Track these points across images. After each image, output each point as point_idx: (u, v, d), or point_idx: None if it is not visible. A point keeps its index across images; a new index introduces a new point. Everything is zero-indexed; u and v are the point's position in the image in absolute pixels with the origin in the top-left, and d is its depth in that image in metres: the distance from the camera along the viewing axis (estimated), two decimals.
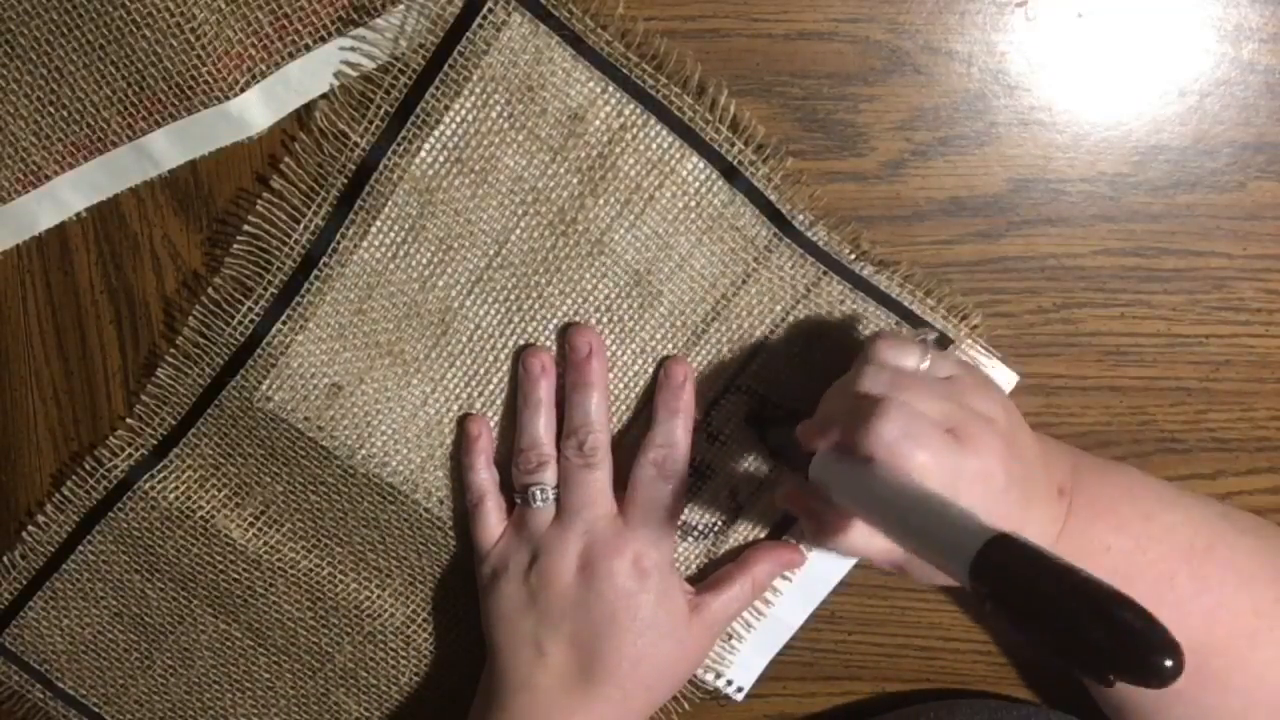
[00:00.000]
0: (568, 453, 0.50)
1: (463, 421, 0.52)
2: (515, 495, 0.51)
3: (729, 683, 0.55)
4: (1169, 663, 0.26)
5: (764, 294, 0.49)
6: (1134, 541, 0.45)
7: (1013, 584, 0.29)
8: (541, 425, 0.50)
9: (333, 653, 0.56)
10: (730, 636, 0.54)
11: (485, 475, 0.52)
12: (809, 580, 0.53)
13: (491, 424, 0.52)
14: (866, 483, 0.39)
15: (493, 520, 0.51)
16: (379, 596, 0.55)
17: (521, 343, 0.51)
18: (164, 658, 0.57)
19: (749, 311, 0.49)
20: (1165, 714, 0.47)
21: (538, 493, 0.50)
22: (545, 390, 0.50)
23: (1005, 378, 0.50)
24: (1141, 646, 0.26)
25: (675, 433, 0.49)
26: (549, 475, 0.50)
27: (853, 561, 0.53)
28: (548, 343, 0.51)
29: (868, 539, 0.41)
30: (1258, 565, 0.46)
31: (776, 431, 0.50)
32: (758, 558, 0.52)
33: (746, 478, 0.52)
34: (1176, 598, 0.45)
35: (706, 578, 0.53)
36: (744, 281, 0.49)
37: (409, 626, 0.56)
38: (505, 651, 0.50)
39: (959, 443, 0.39)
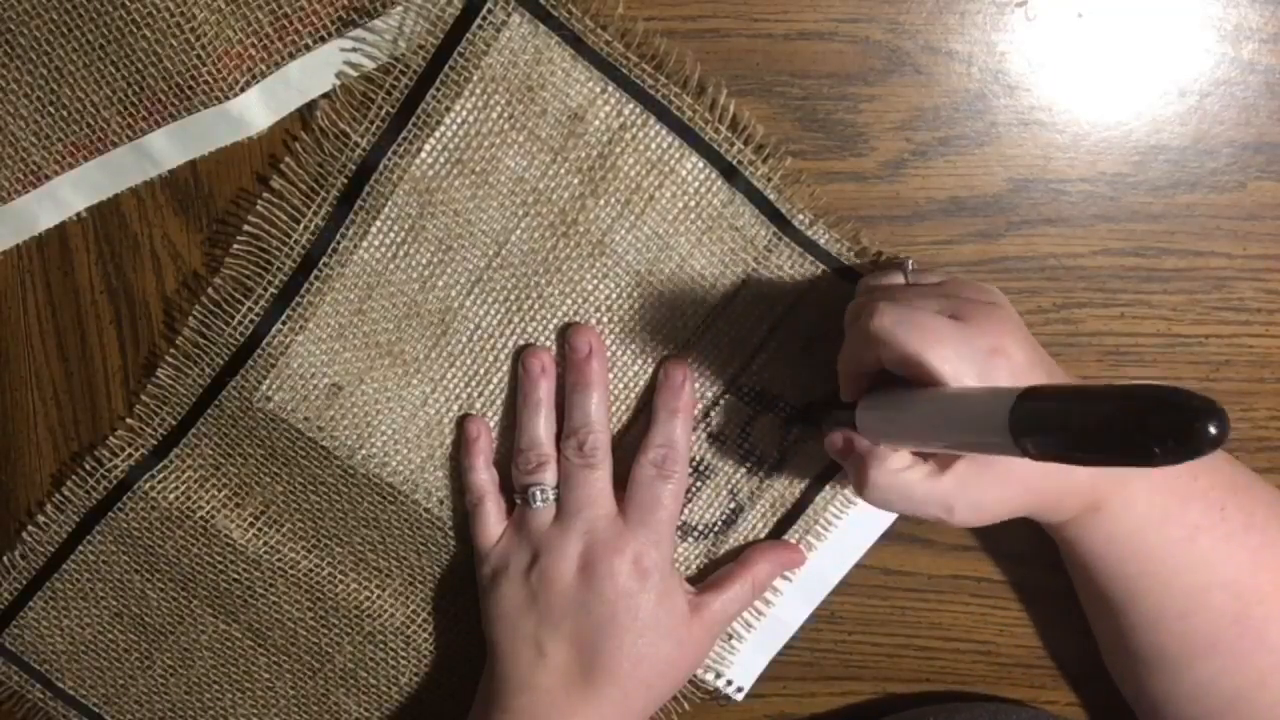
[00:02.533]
0: (568, 453, 0.50)
1: (462, 422, 0.52)
2: (515, 495, 0.51)
3: (729, 683, 0.55)
4: (1213, 428, 0.26)
5: (764, 294, 0.49)
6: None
7: (1051, 420, 0.31)
8: (541, 425, 0.50)
9: (333, 653, 0.56)
10: (730, 636, 0.54)
11: (485, 476, 0.52)
12: (809, 580, 0.54)
13: (491, 424, 0.52)
14: (902, 406, 0.39)
15: (492, 520, 0.51)
16: (379, 596, 0.55)
17: (521, 343, 0.51)
18: (164, 658, 0.57)
19: (749, 311, 0.49)
20: (1196, 666, 0.46)
21: (538, 493, 0.50)
22: (545, 390, 0.50)
23: None
24: (1182, 413, 0.27)
25: (674, 433, 0.49)
26: (549, 475, 0.50)
27: (853, 561, 0.53)
28: (547, 343, 0.51)
29: (904, 464, 0.41)
30: None
31: (828, 415, 0.48)
32: (758, 558, 0.52)
33: (746, 478, 0.52)
34: (1228, 529, 0.44)
35: (706, 578, 0.53)
36: (744, 281, 0.49)
37: (409, 626, 0.56)
38: (506, 651, 0.50)
39: (965, 324, 0.39)
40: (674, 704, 0.55)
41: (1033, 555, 0.54)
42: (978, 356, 0.38)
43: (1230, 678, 0.46)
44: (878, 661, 0.56)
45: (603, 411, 0.50)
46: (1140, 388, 0.28)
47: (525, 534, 0.50)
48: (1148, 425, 0.27)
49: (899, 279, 0.45)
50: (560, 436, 0.50)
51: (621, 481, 0.50)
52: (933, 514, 0.42)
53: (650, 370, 0.51)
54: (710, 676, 0.55)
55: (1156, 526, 0.44)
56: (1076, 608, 0.54)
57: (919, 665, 0.56)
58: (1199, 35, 0.47)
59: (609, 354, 0.50)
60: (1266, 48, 0.47)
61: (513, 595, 0.50)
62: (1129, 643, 0.48)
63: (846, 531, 0.53)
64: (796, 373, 0.50)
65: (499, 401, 0.52)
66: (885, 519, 0.53)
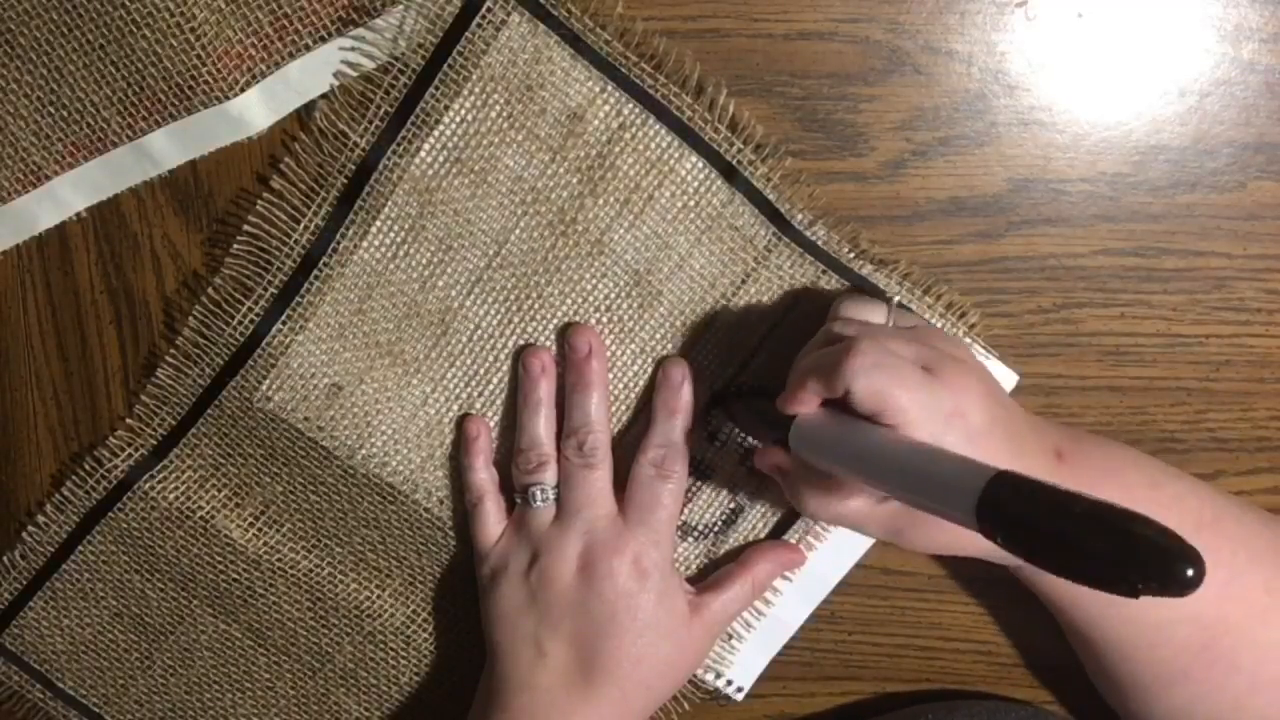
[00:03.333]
0: (568, 453, 0.50)
1: (461, 422, 0.52)
2: (515, 495, 0.51)
3: (729, 683, 0.55)
4: (1190, 572, 0.26)
5: (764, 294, 0.49)
6: (1143, 509, 0.45)
7: (1022, 519, 0.29)
8: (541, 425, 0.50)
9: (333, 653, 0.56)
10: (730, 636, 0.54)
11: (484, 475, 0.52)
12: (809, 580, 0.53)
13: (491, 424, 0.52)
14: (853, 439, 0.39)
15: (492, 520, 0.51)
16: (379, 597, 0.55)
17: (521, 343, 0.51)
18: (164, 658, 0.57)
19: (749, 311, 0.49)
20: (1170, 693, 0.46)
21: (538, 492, 0.50)
22: (545, 390, 0.50)
23: (1005, 377, 0.50)
24: (1163, 557, 0.26)
25: (674, 433, 0.49)
26: (549, 475, 0.50)
27: (853, 561, 0.53)
28: (547, 343, 0.51)
29: (852, 501, 0.41)
30: (1265, 543, 0.46)
31: (746, 404, 0.49)
32: (758, 558, 0.52)
33: (746, 477, 0.52)
34: None
35: (706, 578, 0.53)
36: (744, 281, 0.49)
37: (409, 626, 0.56)
38: (505, 651, 0.50)
39: (934, 378, 0.39)
40: (674, 704, 0.55)
41: None
42: (938, 414, 0.39)
43: (1204, 704, 0.46)
44: (878, 661, 0.56)
45: (603, 411, 0.50)
46: (1118, 516, 0.27)
47: (525, 534, 0.50)
48: (1126, 565, 0.26)
49: (880, 315, 0.45)
50: (560, 436, 0.50)
51: (621, 482, 0.50)
52: (878, 537, 0.43)
53: (650, 370, 0.51)
54: (710, 677, 0.55)
55: None
56: None
57: (919, 665, 0.55)
58: (1199, 35, 0.47)
59: (609, 354, 0.50)
60: (1266, 48, 0.47)
61: (512, 595, 0.50)
62: (1105, 670, 0.48)
63: (846, 532, 0.53)
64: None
65: (499, 401, 0.52)
66: None
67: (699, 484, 0.52)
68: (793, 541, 0.53)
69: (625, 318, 0.50)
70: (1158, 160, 0.48)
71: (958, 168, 0.48)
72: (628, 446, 0.51)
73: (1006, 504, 0.30)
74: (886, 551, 0.54)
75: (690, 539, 0.53)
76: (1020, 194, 0.49)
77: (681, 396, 0.49)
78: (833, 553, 0.53)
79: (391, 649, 0.56)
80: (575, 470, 0.49)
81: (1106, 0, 0.46)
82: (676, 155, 0.47)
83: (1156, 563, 0.26)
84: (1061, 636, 0.55)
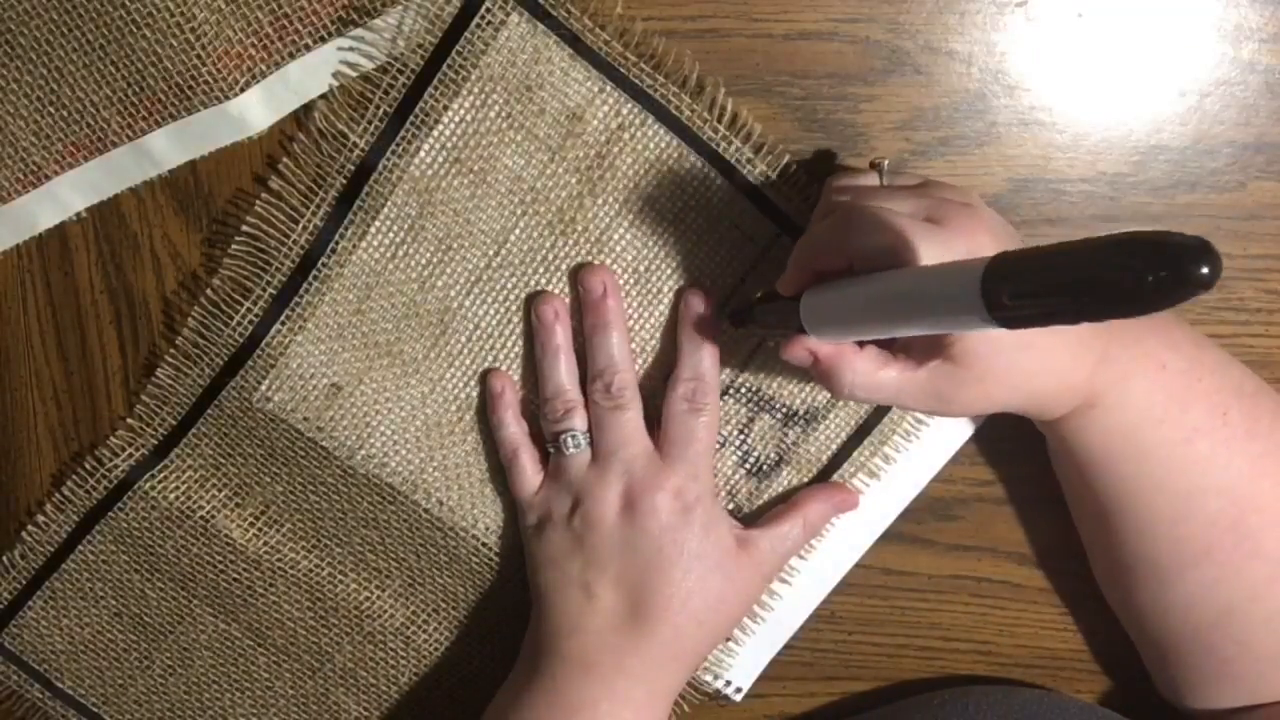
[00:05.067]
0: (595, 397, 0.49)
1: (485, 378, 0.51)
2: (548, 446, 0.50)
3: (728, 683, 0.55)
4: (1205, 269, 0.25)
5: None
6: (1188, 364, 0.43)
7: (1029, 283, 0.29)
8: (563, 371, 0.49)
9: (333, 653, 0.56)
10: (729, 638, 0.54)
11: (515, 429, 0.51)
12: (809, 580, 0.53)
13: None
14: (855, 293, 0.37)
15: (529, 472, 0.51)
16: (379, 597, 0.55)
17: (522, 342, 0.51)
18: (164, 658, 0.57)
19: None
20: (1186, 576, 0.45)
21: (569, 439, 0.49)
22: (562, 336, 0.49)
23: None
24: (1175, 258, 0.25)
25: (702, 364, 0.48)
26: (578, 420, 0.49)
27: (853, 562, 0.53)
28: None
29: (888, 370, 0.40)
30: None
31: (762, 309, 0.46)
32: (810, 498, 0.51)
33: (745, 479, 0.52)
34: (1229, 434, 0.43)
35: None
36: (744, 279, 0.49)
37: (409, 627, 0.56)
38: (553, 596, 0.49)
39: (941, 227, 0.38)
40: (674, 705, 0.55)
41: (1033, 555, 0.54)
42: (955, 259, 0.36)
43: (1222, 589, 0.45)
44: (878, 661, 0.56)
45: (624, 350, 0.49)
46: (1124, 234, 0.27)
47: (564, 481, 0.49)
48: (1137, 269, 0.25)
49: (873, 180, 0.43)
50: (586, 382, 0.49)
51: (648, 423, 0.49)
52: (923, 406, 0.41)
53: (649, 370, 0.51)
54: (709, 677, 0.55)
55: (1153, 426, 0.43)
56: (1077, 608, 0.54)
57: (919, 665, 0.55)
58: (1199, 35, 0.47)
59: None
60: (1266, 48, 0.47)
61: (558, 541, 0.49)
62: (1119, 552, 0.47)
63: (846, 531, 0.53)
64: (796, 371, 0.50)
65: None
66: (884, 520, 0.53)
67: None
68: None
69: (627, 317, 0.50)
70: (1158, 160, 0.48)
71: (958, 168, 0.48)
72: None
73: (1010, 277, 0.29)
74: (886, 551, 0.54)
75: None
76: (1020, 194, 0.49)
77: (707, 327, 0.48)
78: (833, 553, 0.53)
79: (391, 649, 0.56)
80: (605, 413, 0.49)
81: (1106, 0, 0.46)
82: (676, 155, 0.47)
83: (1170, 263, 0.25)
84: (1063, 637, 0.55)
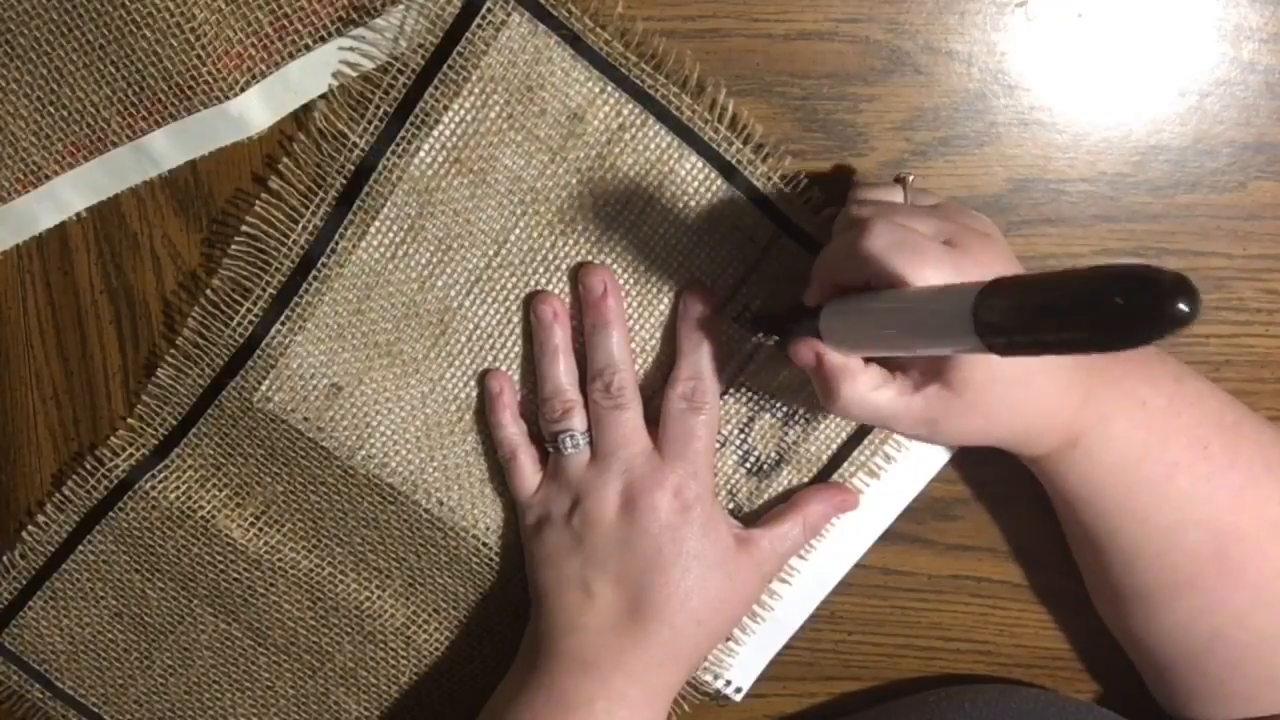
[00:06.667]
0: (595, 396, 0.49)
1: (483, 378, 0.51)
2: (547, 445, 0.50)
3: (728, 683, 0.55)
4: (1183, 306, 0.26)
5: (767, 291, 0.49)
6: (1168, 400, 0.44)
7: (1020, 311, 0.29)
8: (562, 371, 0.49)
9: (333, 653, 0.56)
10: (729, 638, 0.54)
11: (514, 429, 0.51)
12: (809, 580, 0.53)
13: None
14: (866, 308, 0.38)
15: (528, 472, 0.51)
16: (379, 597, 0.55)
17: (521, 343, 0.51)
18: (164, 657, 0.57)
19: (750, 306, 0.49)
20: (1174, 604, 0.46)
21: (568, 439, 0.49)
22: (561, 335, 0.49)
23: None
24: (1155, 296, 0.26)
25: (702, 363, 0.49)
26: (577, 420, 0.49)
27: (853, 562, 0.53)
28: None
29: (884, 391, 0.40)
30: None
31: (786, 320, 0.47)
32: (810, 498, 0.51)
33: (745, 478, 0.52)
34: (1210, 468, 0.44)
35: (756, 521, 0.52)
36: (744, 280, 0.49)
37: (409, 627, 0.56)
38: (552, 595, 0.49)
39: (957, 251, 0.38)
40: (674, 705, 0.55)
41: (1033, 555, 0.54)
42: None
43: (1209, 616, 0.45)
44: (878, 661, 0.56)
45: (624, 350, 0.49)
46: (1107, 266, 0.27)
47: (563, 480, 0.50)
48: (1121, 303, 0.26)
49: (897, 195, 0.44)
50: (585, 381, 0.50)
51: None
52: (913, 430, 0.41)
53: (648, 370, 0.51)
54: (709, 677, 0.55)
55: (1135, 464, 0.44)
56: (1077, 608, 0.54)
57: (919, 665, 0.55)
58: (1199, 35, 0.47)
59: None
60: (1266, 48, 0.47)
61: (557, 540, 0.49)
62: (1110, 578, 0.47)
63: (846, 531, 0.53)
64: (797, 372, 0.50)
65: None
66: (884, 520, 0.53)
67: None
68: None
69: (627, 317, 0.50)
70: (1158, 160, 0.48)
71: (958, 168, 0.48)
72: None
73: (1003, 302, 0.30)
74: (886, 551, 0.54)
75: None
76: (1020, 194, 0.49)
77: (707, 326, 0.49)
78: (832, 553, 0.53)
79: (391, 649, 0.56)
80: (605, 413, 0.49)
81: (1106, 0, 0.46)
82: (676, 155, 0.47)
83: (1151, 301, 0.26)
84: (1063, 638, 0.55)
